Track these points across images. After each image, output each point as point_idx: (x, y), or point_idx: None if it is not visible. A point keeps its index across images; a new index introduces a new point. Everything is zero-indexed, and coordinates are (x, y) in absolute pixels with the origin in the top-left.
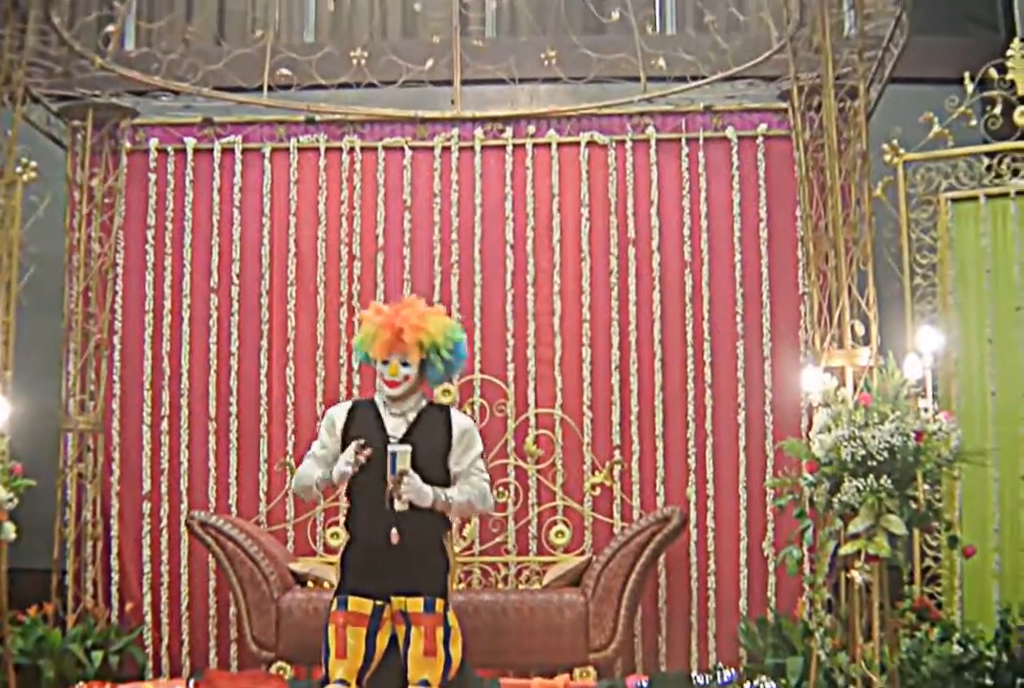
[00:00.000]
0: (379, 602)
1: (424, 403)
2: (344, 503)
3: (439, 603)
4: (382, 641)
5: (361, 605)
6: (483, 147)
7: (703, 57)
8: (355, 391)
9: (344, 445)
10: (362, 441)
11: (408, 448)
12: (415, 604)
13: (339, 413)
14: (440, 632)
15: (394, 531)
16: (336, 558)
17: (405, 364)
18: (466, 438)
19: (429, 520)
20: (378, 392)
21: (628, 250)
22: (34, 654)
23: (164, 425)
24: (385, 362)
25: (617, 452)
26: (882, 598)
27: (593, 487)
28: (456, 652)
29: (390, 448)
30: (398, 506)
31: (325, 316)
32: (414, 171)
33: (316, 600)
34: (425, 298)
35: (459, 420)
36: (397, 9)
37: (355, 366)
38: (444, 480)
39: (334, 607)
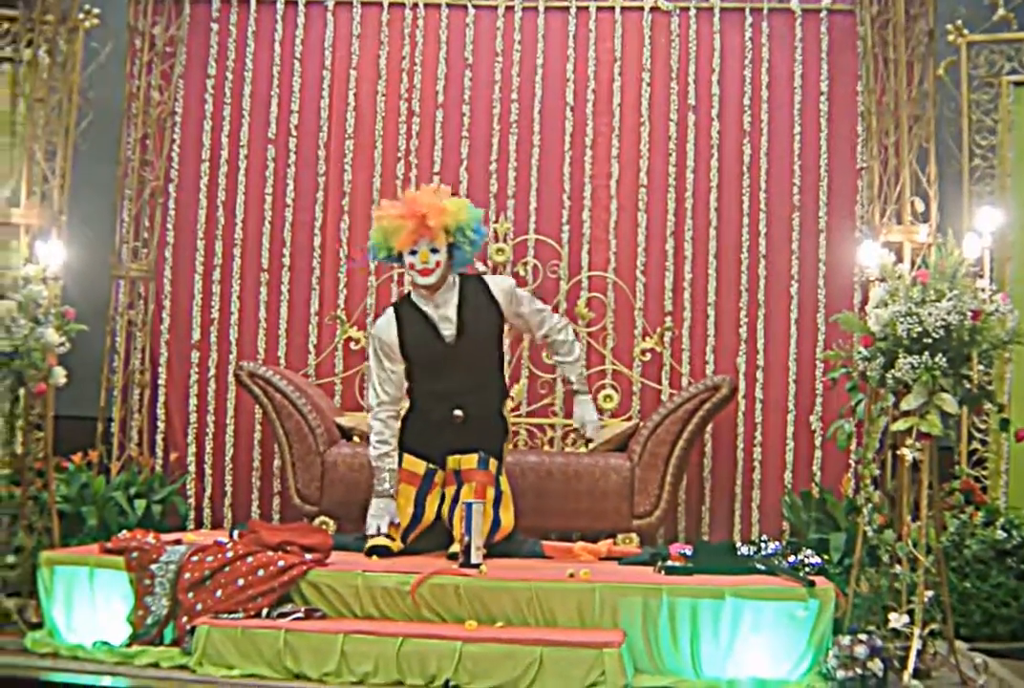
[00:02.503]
0: (432, 465)
1: (457, 283)
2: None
3: (492, 463)
4: (431, 506)
5: (415, 464)
6: (546, 8)
7: None
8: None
9: (403, 347)
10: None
11: (481, 503)
12: (469, 460)
13: (386, 328)
14: (491, 492)
15: (458, 412)
16: None
17: (434, 250)
18: (514, 300)
19: (490, 396)
20: (411, 286)
21: (688, 117)
22: (77, 501)
23: (216, 274)
24: (413, 252)
25: (668, 318)
26: (931, 477)
27: (643, 352)
28: (507, 517)
29: (463, 501)
30: (590, 434)
31: (382, 171)
32: (476, 29)
33: (362, 455)
34: (482, 156)
35: (497, 286)
36: None
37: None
38: (498, 353)
39: None
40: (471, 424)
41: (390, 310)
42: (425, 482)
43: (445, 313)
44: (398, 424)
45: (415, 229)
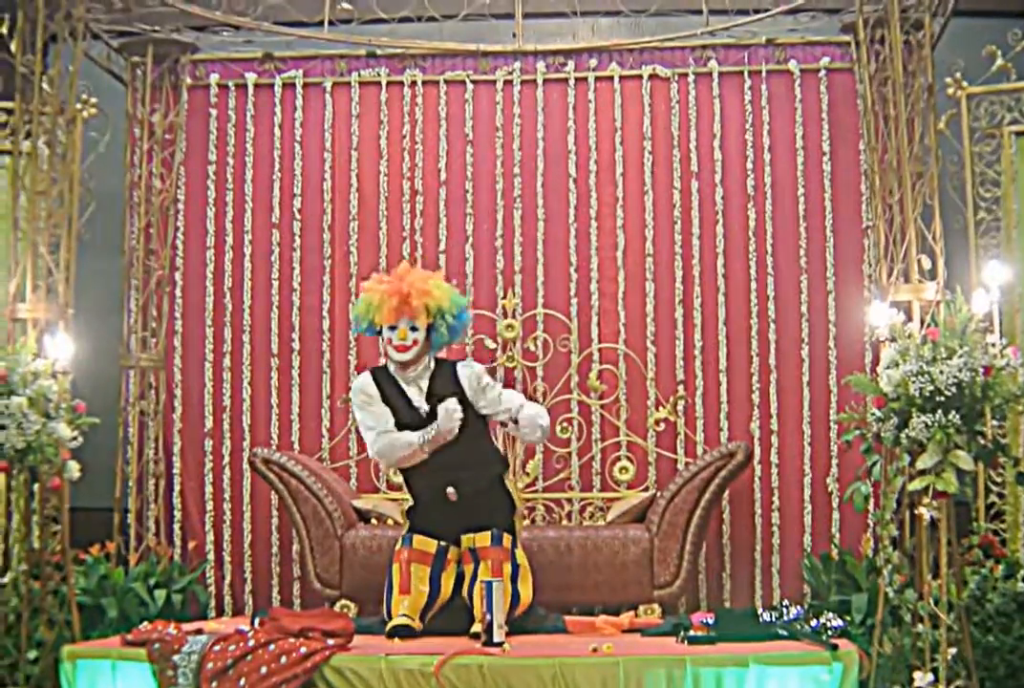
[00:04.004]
0: (444, 543)
1: (432, 364)
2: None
3: (506, 538)
4: (447, 583)
5: (426, 544)
6: (545, 81)
7: None
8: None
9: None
10: (457, 404)
11: (501, 581)
12: (482, 538)
13: (368, 384)
14: (508, 568)
15: (450, 490)
16: (399, 495)
17: (414, 328)
18: (478, 384)
19: (484, 468)
20: (386, 359)
21: (691, 184)
22: (97, 593)
23: (226, 361)
24: (392, 328)
25: (681, 387)
26: (950, 535)
27: (657, 422)
28: (525, 590)
29: (482, 580)
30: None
31: (387, 251)
32: (476, 105)
33: (380, 537)
34: (488, 232)
35: (463, 371)
36: None
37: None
38: (478, 427)
39: (399, 544)
40: (471, 501)
41: (367, 373)
42: (437, 560)
43: (416, 389)
44: None
45: (397, 306)
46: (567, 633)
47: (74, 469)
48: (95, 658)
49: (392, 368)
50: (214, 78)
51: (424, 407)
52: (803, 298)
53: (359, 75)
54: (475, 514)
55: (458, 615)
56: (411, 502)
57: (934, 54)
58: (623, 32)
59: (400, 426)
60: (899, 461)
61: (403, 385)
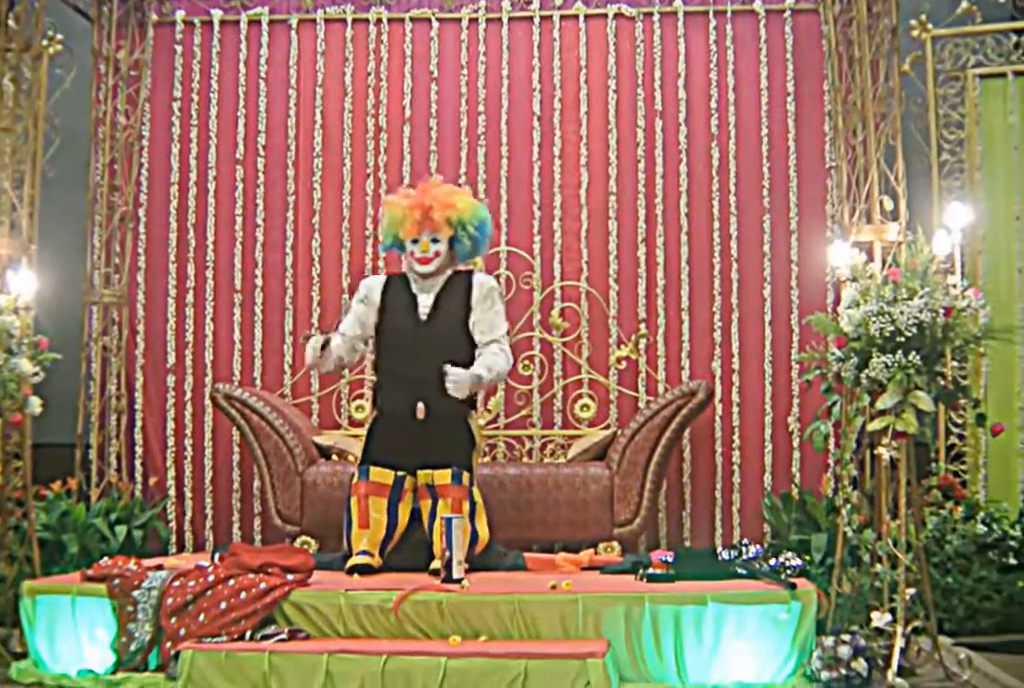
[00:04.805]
0: (400, 473)
1: (448, 275)
2: (371, 376)
3: (466, 476)
4: (404, 513)
5: (383, 475)
6: (510, 19)
7: None
8: (380, 263)
9: (380, 316)
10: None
11: (461, 518)
12: (442, 476)
13: (375, 285)
14: (466, 505)
15: (420, 405)
16: (361, 431)
17: (435, 240)
18: (487, 299)
19: (454, 398)
20: (408, 271)
21: (655, 123)
22: (58, 529)
23: (189, 297)
24: (415, 241)
25: (643, 325)
26: (909, 475)
27: (618, 360)
28: (483, 528)
29: (442, 517)
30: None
31: (351, 188)
32: (441, 43)
33: (341, 473)
34: (452, 169)
35: (477, 278)
36: None
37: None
38: (468, 347)
39: (356, 478)
40: (437, 430)
41: (384, 276)
42: (395, 491)
43: (428, 298)
44: (343, 345)
45: (419, 219)
46: (526, 570)
47: (36, 405)
48: (55, 594)
49: (412, 278)
50: (180, 15)
51: (426, 313)
52: (766, 238)
53: (324, 12)
54: (436, 448)
55: (418, 551)
56: (373, 421)
57: None
58: None
59: (396, 329)
60: (859, 401)
61: (417, 293)
